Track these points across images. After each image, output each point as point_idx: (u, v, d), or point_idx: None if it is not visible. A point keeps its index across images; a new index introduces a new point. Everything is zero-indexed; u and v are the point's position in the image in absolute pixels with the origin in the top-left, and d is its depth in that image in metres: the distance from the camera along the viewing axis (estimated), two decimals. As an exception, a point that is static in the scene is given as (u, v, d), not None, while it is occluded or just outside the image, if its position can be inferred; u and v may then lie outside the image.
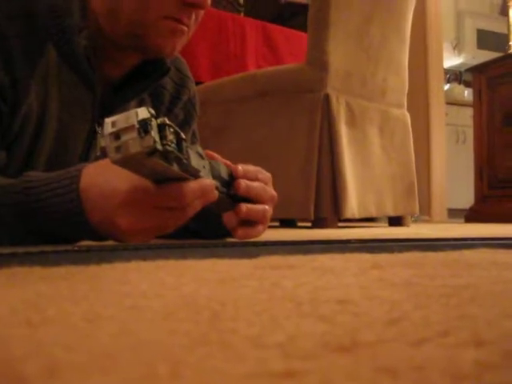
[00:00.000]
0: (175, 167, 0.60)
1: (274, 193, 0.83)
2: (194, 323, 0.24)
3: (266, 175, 0.83)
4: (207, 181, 0.68)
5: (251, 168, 0.81)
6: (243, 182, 0.77)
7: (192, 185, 0.65)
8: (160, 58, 0.88)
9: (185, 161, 0.61)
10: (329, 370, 0.16)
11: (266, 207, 0.80)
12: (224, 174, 0.76)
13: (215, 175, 0.72)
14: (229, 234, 0.83)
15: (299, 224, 2.42)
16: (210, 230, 0.88)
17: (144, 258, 0.50)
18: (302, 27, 2.32)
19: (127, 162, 0.57)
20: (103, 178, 0.66)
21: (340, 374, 0.16)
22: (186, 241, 0.82)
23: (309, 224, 2.02)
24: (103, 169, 0.66)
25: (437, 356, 0.18)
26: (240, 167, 0.79)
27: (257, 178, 0.80)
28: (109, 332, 0.23)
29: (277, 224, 2.42)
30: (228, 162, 0.80)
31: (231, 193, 0.77)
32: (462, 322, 0.23)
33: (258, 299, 0.30)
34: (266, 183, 0.82)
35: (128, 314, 0.27)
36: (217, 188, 0.71)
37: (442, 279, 0.37)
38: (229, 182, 0.77)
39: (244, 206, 0.77)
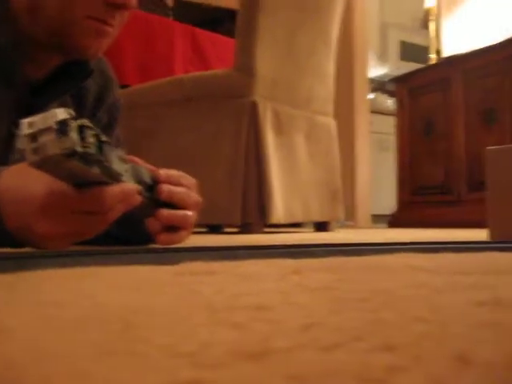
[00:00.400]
0: (96, 170, 0.58)
1: (198, 198, 0.82)
2: (104, 333, 0.23)
3: (189, 180, 0.82)
4: (129, 185, 0.67)
5: (174, 173, 0.80)
6: (166, 187, 0.76)
7: (113, 189, 0.64)
8: (83, 60, 0.86)
9: (106, 164, 0.59)
10: (237, 379, 0.16)
11: (189, 213, 0.79)
12: (147, 178, 0.74)
13: (138, 179, 0.71)
14: (152, 239, 0.82)
15: (226, 230, 2.42)
16: (133, 235, 0.86)
17: (62, 265, 0.48)
18: (231, 33, 2.32)
19: (45, 165, 0.55)
20: (20, 182, 0.63)
21: (248, 382, 0.15)
22: (107, 247, 0.80)
23: (235, 229, 2.02)
24: (20, 172, 0.63)
25: (348, 361, 0.18)
26: (163, 172, 0.78)
27: (180, 183, 0.79)
28: (13, 344, 0.21)
29: (204, 230, 2.40)
30: (151, 167, 0.79)
31: (154, 198, 0.76)
32: (374, 327, 0.23)
33: (174, 306, 0.30)
34: (189, 188, 0.81)
35: (37, 324, 0.25)
36: (139, 192, 0.70)
37: (360, 284, 0.37)
38: (152, 186, 0.76)
39: (165, 212, 0.76)
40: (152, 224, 0.78)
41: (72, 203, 0.62)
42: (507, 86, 2.91)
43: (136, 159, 0.76)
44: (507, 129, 2.89)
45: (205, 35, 3.07)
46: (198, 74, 2.19)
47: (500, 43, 2.98)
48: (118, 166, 0.64)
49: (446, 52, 3.64)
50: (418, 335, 0.21)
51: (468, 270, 0.48)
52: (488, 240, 1.09)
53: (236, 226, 1.96)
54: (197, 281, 0.41)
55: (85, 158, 0.55)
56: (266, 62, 1.98)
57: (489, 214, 1.17)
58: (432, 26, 3.74)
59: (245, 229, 1.89)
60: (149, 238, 0.81)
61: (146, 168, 0.76)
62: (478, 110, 3.06)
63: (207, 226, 2.41)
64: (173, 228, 0.79)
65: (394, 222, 3.46)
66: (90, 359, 0.19)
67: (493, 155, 1.21)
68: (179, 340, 0.21)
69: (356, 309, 0.27)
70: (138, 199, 0.69)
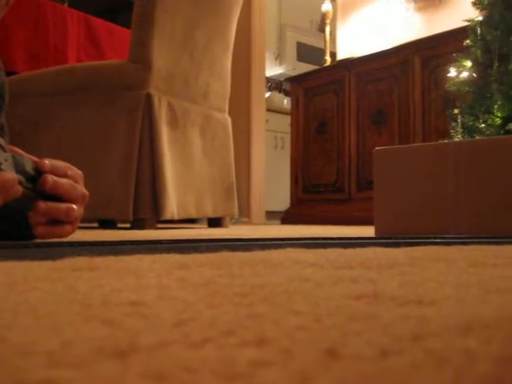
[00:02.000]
0: None
1: (84, 191, 0.79)
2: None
3: (76, 172, 0.79)
4: (9, 174, 0.63)
5: (60, 163, 0.76)
6: (50, 178, 0.72)
7: None
8: None
9: None
10: (93, 378, 0.15)
11: (73, 206, 0.76)
12: (29, 168, 0.70)
13: (19, 169, 0.67)
14: (33, 235, 0.78)
15: (119, 225, 2.36)
16: (14, 229, 0.82)
17: None
18: (129, 24, 2.27)
19: None
20: None
21: (103, 381, 0.14)
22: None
23: (128, 225, 1.98)
24: None
25: (215, 357, 0.17)
26: (47, 162, 0.74)
27: (66, 175, 0.76)
28: None
29: (95, 225, 2.34)
30: (34, 158, 0.75)
31: (38, 189, 0.72)
32: (249, 321, 0.22)
33: (44, 303, 0.28)
34: (76, 181, 0.78)
35: None
36: (20, 183, 0.66)
37: (243, 279, 0.37)
38: (35, 177, 0.72)
39: (43, 204, 0.72)
40: (32, 217, 0.74)
41: None
42: (397, 90, 3.04)
43: (17, 149, 0.72)
44: (395, 130, 3.02)
45: (101, 24, 2.99)
46: (90, 63, 2.12)
47: (392, 49, 3.12)
48: None
49: (341, 55, 3.76)
50: (292, 329, 0.21)
51: (352, 265, 0.50)
52: (373, 236, 1.13)
53: (129, 222, 1.92)
54: (75, 276, 0.39)
55: None
56: (162, 55, 1.95)
57: (375, 212, 1.22)
58: (327, 29, 3.85)
59: (137, 224, 1.85)
60: (31, 233, 0.78)
61: (28, 158, 0.72)
62: (369, 112, 3.18)
63: (99, 221, 2.34)
64: (57, 222, 0.76)
65: (287, 218, 3.53)
66: None
67: (380, 155, 1.26)
68: (39, 338, 0.20)
69: (234, 303, 0.27)
70: (19, 190, 0.65)
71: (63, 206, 0.75)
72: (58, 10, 2.83)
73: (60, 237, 0.77)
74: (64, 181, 0.75)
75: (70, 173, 0.77)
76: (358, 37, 3.72)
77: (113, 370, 0.16)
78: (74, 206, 0.76)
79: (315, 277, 0.39)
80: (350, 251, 0.67)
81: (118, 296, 0.30)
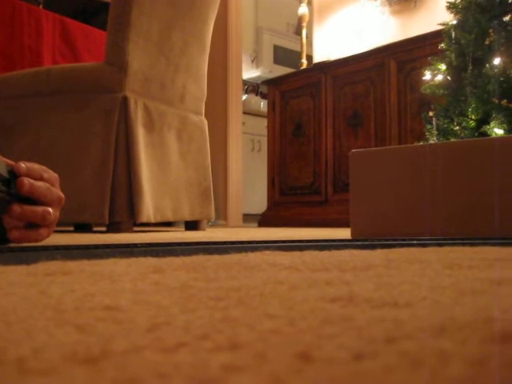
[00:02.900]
0: None
1: (60, 194, 0.78)
2: None
3: (52, 175, 0.78)
4: None
5: (36, 166, 0.75)
6: (27, 181, 0.71)
7: None
8: None
9: None
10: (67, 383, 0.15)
11: (48, 209, 0.75)
12: (3, 171, 0.69)
13: None
14: (6, 239, 0.77)
15: (95, 229, 2.34)
16: None
17: None
18: (105, 26, 2.25)
19: None
20: None
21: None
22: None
23: (104, 228, 1.96)
24: None
25: (187, 362, 0.17)
26: (23, 165, 0.73)
27: (42, 178, 0.75)
28: None
29: (71, 228, 2.31)
30: (9, 161, 0.74)
31: (12, 192, 0.71)
32: (223, 325, 0.22)
33: (17, 308, 0.27)
34: (52, 184, 0.77)
35: None
36: None
37: (218, 282, 0.37)
38: (9, 180, 0.71)
39: (18, 207, 0.71)
40: (7, 221, 0.73)
41: None
42: (373, 93, 3.07)
43: None
44: (372, 133, 3.04)
45: (76, 26, 2.96)
46: (66, 65, 2.10)
47: (368, 52, 3.14)
48: None
49: (317, 58, 3.78)
50: (265, 332, 0.21)
51: (327, 267, 0.50)
52: (350, 238, 1.13)
53: (104, 225, 1.90)
54: (49, 281, 0.39)
55: None
56: (138, 57, 1.94)
57: (351, 214, 1.23)
58: (304, 32, 3.86)
59: (113, 228, 1.84)
60: (5, 237, 0.76)
61: (3, 161, 0.71)
62: (345, 114, 3.19)
63: (75, 224, 2.32)
64: (33, 225, 0.75)
65: (264, 221, 3.53)
66: None
67: (356, 158, 1.27)
68: (9, 344, 0.19)
69: (208, 307, 0.27)
70: None
71: (39, 209, 0.74)
72: (33, 12, 2.80)
73: (35, 241, 0.76)
74: (40, 184, 0.74)
75: (45, 176, 0.76)
76: (335, 40, 3.75)
77: (85, 375, 0.15)
78: (50, 210, 0.75)
79: (290, 279, 0.39)
80: (326, 254, 0.67)
81: (92, 300, 0.29)
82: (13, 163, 0.73)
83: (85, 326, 0.22)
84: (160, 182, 2.01)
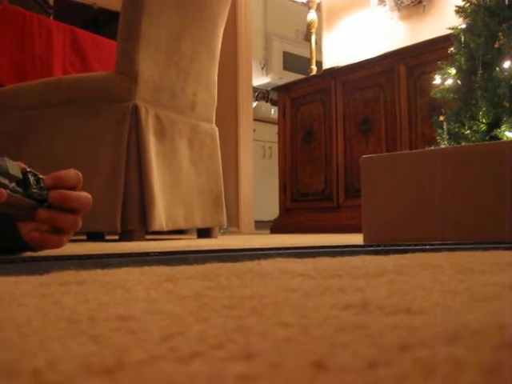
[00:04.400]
0: None
1: (89, 200, 0.78)
2: None
3: (81, 180, 0.79)
4: None
5: (70, 174, 0.76)
6: (58, 193, 0.72)
7: None
8: None
9: None
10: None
11: (79, 218, 0.76)
12: (15, 171, 0.69)
13: (1, 172, 0.65)
14: (27, 247, 0.77)
15: (107, 237, 2.35)
16: (1, 242, 0.80)
17: None
18: (115, 35, 2.27)
19: None
20: None
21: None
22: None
23: (117, 237, 1.97)
24: None
25: (202, 371, 0.17)
26: (57, 174, 0.74)
27: (74, 186, 0.75)
28: None
29: (84, 237, 2.32)
30: (22, 164, 0.74)
31: (30, 193, 0.71)
32: (237, 335, 0.22)
33: (30, 319, 0.28)
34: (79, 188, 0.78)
35: None
36: (5, 186, 0.64)
37: (231, 290, 0.37)
38: (25, 181, 0.70)
39: (45, 212, 0.71)
40: (25, 225, 0.74)
41: None
42: (383, 99, 3.06)
43: None
44: (382, 138, 3.04)
45: (87, 36, 2.98)
46: (76, 76, 2.11)
47: (377, 57, 3.14)
48: None
49: (327, 64, 3.78)
50: (279, 341, 0.21)
51: (340, 274, 0.49)
52: (362, 244, 1.13)
53: (117, 234, 1.91)
54: (62, 291, 0.39)
55: None
56: (148, 66, 1.95)
57: (363, 219, 1.22)
58: (313, 38, 3.87)
59: (126, 236, 1.84)
60: (23, 246, 0.77)
61: (16, 164, 0.71)
62: (355, 120, 3.19)
63: (87, 233, 2.33)
64: (56, 230, 0.75)
65: (276, 227, 3.53)
66: None
67: (367, 163, 1.27)
68: (24, 356, 0.19)
69: (222, 316, 0.27)
70: (3, 194, 0.63)
71: (70, 216, 0.74)
72: (44, 23, 2.83)
73: (56, 247, 0.76)
74: (74, 194, 0.74)
75: (78, 185, 0.76)
76: (344, 46, 3.75)
77: (100, 387, 0.16)
78: (78, 216, 0.76)
79: (303, 287, 0.39)
80: (338, 260, 0.67)
81: (106, 311, 0.29)
82: (24, 166, 0.73)
83: (99, 337, 0.23)
84: (172, 190, 2.01)
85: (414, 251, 0.77)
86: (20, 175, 0.69)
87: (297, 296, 0.35)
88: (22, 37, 2.66)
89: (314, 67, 3.78)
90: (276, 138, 3.82)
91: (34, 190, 0.70)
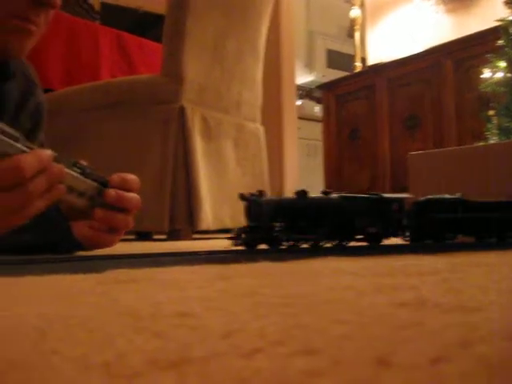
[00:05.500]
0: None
1: (139, 201, 0.80)
2: (16, 346, 0.22)
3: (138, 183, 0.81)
4: (43, 150, 0.63)
5: (129, 177, 0.79)
6: (114, 192, 0.75)
7: (26, 156, 0.59)
8: (4, 61, 0.83)
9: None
10: (152, 390, 0.15)
11: (130, 218, 0.78)
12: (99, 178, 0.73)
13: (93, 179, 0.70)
14: (78, 246, 0.79)
15: (155, 236, 2.39)
16: (54, 241, 0.82)
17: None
18: (159, 38, 2.30)
19: None
20: None
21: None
22: (29, 256, 0.77)
23: (164, 236, 2.00)
24: None
25: (267, 367, 0.17)
26: (116, 177, 0.77)
27: (132, 189, 0.78)
28: None
29: (132, 237, 2.36)
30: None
31: (98, 200, 0.74)
32: (295, 331, 0.22)
33: (93, 316, 0.29)
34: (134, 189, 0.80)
35: None
36: (55, 159, 0.65)
37: (284, 289, 0.37)
38: (100, 189, 0.74)
39: (101, 211, 0.74)
40: (82, 225, 0.76)
41: None
42: (429, 94, 3.01)
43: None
44: (429, 135, 2.99)
45: (132, 40, 3.03)
46: (124, 78, 2.15)
47: (422, 52, 3.09)
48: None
49: (371, 60, 3.74)
50: (338, 338, 0.21)
51: (392, 272, 0.49)
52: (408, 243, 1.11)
53: (164, 233, 1.93)
54: (119, 289, 0.40)
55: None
56: (193, 67, 1.97)
57: (411, 218, 1.21)
58: (357, 35, 3.84)
59: (173, 235, 1.87)
60: (73, 245, 0.79)
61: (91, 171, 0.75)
62: (401, 116, 3.15)
63: (136, 233, 2.36)
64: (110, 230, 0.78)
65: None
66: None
67: (414, 160, 1.25)
68: (94, 350, 0.20)
69: (278, 313, 0.27)
70: (60, 168, 0.65)
71: (121, 216, 0.76)
72: (91, 28, 2.89)
73: (107, 245, 0.79)
74: (131, 195, 0.76)
75: (136, 186, 0.78)
76: (388, 41, 3.70)
77: (169, 381, 0.16)
78: (130, 216, 0.78)
79: (356, 285, 0.39)
80: (387, 258, 0.67)
81: (165, 308, 0.30)
82: (94, 168, 0.76)
83: (161, 333, 0.23)
84: (218, 189, 2.03)
85: (464, 249, 0.76)
86: (96, 185, 0.73)
87: (350, 294, 0.35)
88: (71, 42, 2.72)
89: (358, 64, 3.75)
90: (320, 136, 3.80)
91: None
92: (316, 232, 0.73)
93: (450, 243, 0.84)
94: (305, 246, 0.74)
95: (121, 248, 1.13)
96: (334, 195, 0.78)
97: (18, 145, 0.60)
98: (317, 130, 4.70)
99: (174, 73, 1.93)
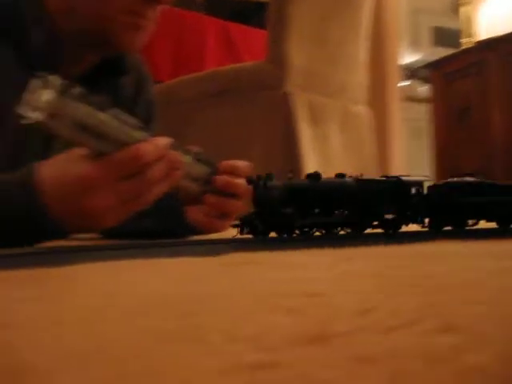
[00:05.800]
0: (107, 118, 0.59)
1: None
2: (163, 320, 0.23)
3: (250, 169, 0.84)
4: (161, 138, 0.65)
5: (239, 164, 0.82)
6: (223, 179, 0.78)
7: (145, 144, 0.62)
8: (119, 57, 0.87)
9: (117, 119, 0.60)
10: (304, 361, 0.16)
11: (240, 203, 0.80)
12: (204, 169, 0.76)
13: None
14: (191, 231, 0.82)
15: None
16: (171, 226, 0.85)
17: (107, 258, 0.49)
18: (263, 25, 2.32)
19: (52, 118, 0.55)
20: (61, 169, 0.62)
21: (315, 364, 0.16)
22: (150, 240, 0.81)
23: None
24: (57, 161, 0.63)
25: (411, 343, 0.18)
26: (226, 163, 0.80)
27: (242, 175, 0.80)
28: (76, 333, 0.22)
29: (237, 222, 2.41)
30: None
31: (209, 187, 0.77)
32: (430, 310, 0.23)
33: (226, 295, 0.30)
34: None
35: (94, 314, 0.26)
36: (172, 147, 0.68)
37: (409, 270, 0.37)
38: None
39: (212, 197, 0.77)
40: (196, 211, 0.80)
41: (111, 170, 0.61)
42: (545, 69, 2.84)
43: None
44: (546, 112, 2.82)
45: (237, 29, 3.07)
46: (229, 67, 2.19)
47: (537, 25, 2.91)
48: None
49: (482, 35, 3.57)
50: (476, 316, 0.21)
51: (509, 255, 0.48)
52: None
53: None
54: (242, 270, 0.42)
55: (85, 98, 0.58)
56: (298, 52, 1.97)
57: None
58: (464, 9, 3.68)
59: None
60: (188, 230, 0.82)
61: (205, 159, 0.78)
62: (516, 94, 2.99)
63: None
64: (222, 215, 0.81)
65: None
66: (154, 345, 0.19)
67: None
68: (238, 325, 0.21)
69: (409, 293, 0.27)
70: (178, 156, 0.68)
71: (233, 201, 0.79)
72: (197, 19, 2.95)
73: (218, 230, 0.82)
74: (240, 181, 0.79)
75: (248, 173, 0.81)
76: (500, 15, 3.51)
77: (318, 353, 0.17)
78: (240, 202, 0.80)
79: (479, 267, 0.39)
80: (505, 242, 0.65)
81: (294, 288, 0.31)
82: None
83: (296, 311, 0.24)
84: (325, 173, 2.02)
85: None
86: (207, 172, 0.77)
87: (476, 276, 0.34)
88: (178, 34, 2.80)
89: (465, 40, 3.59)
90: (425, 117, 3.69)
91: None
92: (330, 218, 0.71)
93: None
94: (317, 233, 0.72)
95: (230, 233, 1.16)
96: (349, 178, 0.74)
97: (138, 133, 0.63)
98: (420, 110, 4.57)
99: (278, 59, 1.94)
